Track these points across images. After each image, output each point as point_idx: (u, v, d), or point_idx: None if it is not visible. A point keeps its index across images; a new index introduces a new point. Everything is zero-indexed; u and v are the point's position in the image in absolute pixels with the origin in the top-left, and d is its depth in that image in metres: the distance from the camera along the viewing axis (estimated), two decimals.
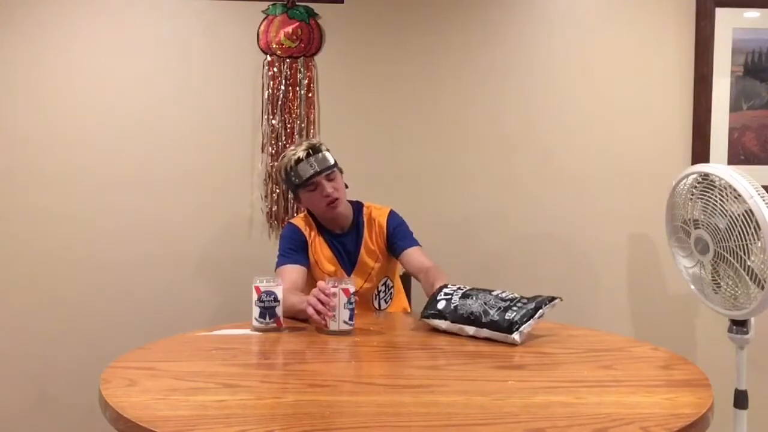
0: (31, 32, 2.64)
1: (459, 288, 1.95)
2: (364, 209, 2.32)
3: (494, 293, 1.89)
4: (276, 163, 2.56)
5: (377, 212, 2.31)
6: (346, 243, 2.26)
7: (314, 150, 2.18)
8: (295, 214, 2.71)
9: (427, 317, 1.93)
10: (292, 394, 1.45)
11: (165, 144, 2.70)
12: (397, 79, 2.75)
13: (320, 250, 2.24)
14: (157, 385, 1.47)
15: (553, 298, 1.86)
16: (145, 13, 2.67)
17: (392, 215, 2.31)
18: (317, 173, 2.16)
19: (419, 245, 2.27)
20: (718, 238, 1.89)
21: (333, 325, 1.88)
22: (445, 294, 1.93)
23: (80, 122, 2.67)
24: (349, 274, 2.23)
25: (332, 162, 2.21)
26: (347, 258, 2.25)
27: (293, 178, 2.19)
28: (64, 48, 2.65)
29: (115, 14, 2.66)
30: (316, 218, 2.28)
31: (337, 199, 2.19)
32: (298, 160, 2.17)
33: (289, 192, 2.29)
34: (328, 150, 2.23)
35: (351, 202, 2.30)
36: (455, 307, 1.87)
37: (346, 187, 2.28)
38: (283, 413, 1.32)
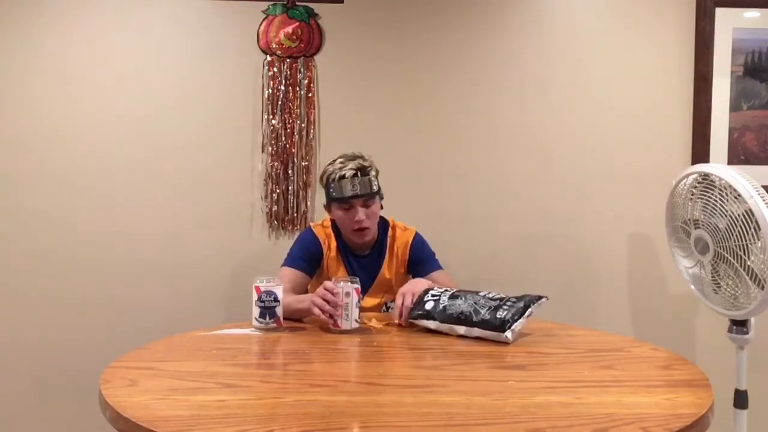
0: (29, 32, 2.63)
1: (445, 290, 1.96)
2: (389, 231, 2.27)
3: (482, 294, 1.91)
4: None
5: (401, 237, 2.26)
6: (363, 265, 2.24)
7: (362, 172, 2.13)
8: (295, 214, 2.72)
9: (415, 318, 1.93)
10: (292, 394, 1.45)
11: (165, 144, 2.70)
12: (397, 79, 2.74)
13: (335, 269, 2.22)
14: (157, 385, 1.47)
15: (540, 297, 1.87)
16: (145, 13, 2.67)
17: (416, 240, 2.26)
18: (355, 197, 2.12)
19: (442, 269, 2.25)
20: (718, 238, 1.89)
21: (346, 324, 1.89)
22: (432, 295, 1.94)
23: (78, 123, 2.66)
24: (363, 296, 2.16)
25: (374, 189, 2.15)
26: (364, 279, 2.17)
27: (331, 191, 2.16)
28: (63, 48, 2.65)
29: (114, 14, 2.65)
30: (340, 234, 2.24)
31: (365, 228, 2.15)
32: (342, 177, 2.12)
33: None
34: (376, 172, 2.19)
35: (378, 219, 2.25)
36: (444, 307, 1.88)
37: (381, 208, 2.24)
38: (283, 413, 1.32)
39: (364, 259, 2.25)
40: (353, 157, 2.18)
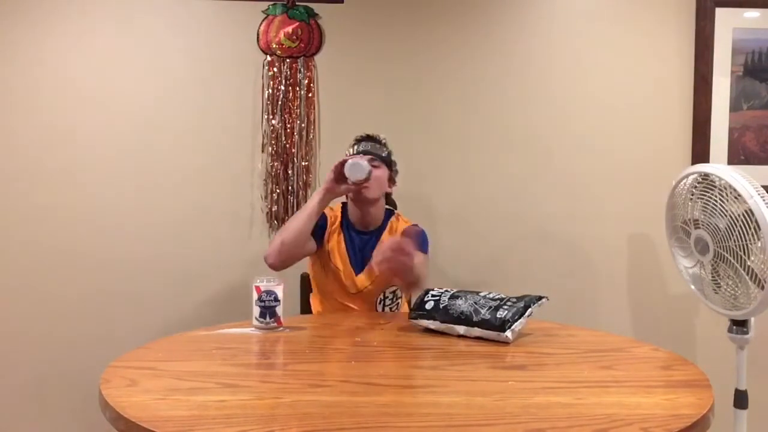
0: (30, 32, 2.64)
1: (446, 290, 1.97)
2: (392, 217, 2.34)
3: (482, 294, 1.91)
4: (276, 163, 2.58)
5: (403, 224, 2.33)
6: (363, 242, 2.28)
7: (374, 139, 2.33)
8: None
9: (416, 318, 1.94)
10: (292, 394, 1.45)
11: (165, 144, 2.70)
12: (397, 79, 2.75)
13: (336, 244, 2.27)
14: (158, 385, 1.47)
15: (540, 297, 1.87)
16: (145, 14, 2.67)
17: (413, 225, 2.33)
18: (363, 152, 2.26)
19: (425, 254, 2.25)
20: (718, 238, 1.90)
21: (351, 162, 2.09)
22: (433, 295, 1.94)
23: (79, 122, 2.67)
24: (357, 273, 2.24)
25: (383, 154, 2.30)
26: (360, 257, 2.26)
27: (346, 152, 2.30)
28: (64, 48, 2.65)
29: (115, 14, 2.66)
30: (347, 213, 2.31)
31: (367, 186, 2.20)
32: (357, 142, 2.31)
33: None
34: (389, 151, 2.33)
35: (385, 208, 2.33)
36: (444, 307, 1.88)
37: (394, 183, 2.34)
38: (283, 413, 1.32)
39: (364, 236, 2.29)
40: (369, 134, 2.35)
